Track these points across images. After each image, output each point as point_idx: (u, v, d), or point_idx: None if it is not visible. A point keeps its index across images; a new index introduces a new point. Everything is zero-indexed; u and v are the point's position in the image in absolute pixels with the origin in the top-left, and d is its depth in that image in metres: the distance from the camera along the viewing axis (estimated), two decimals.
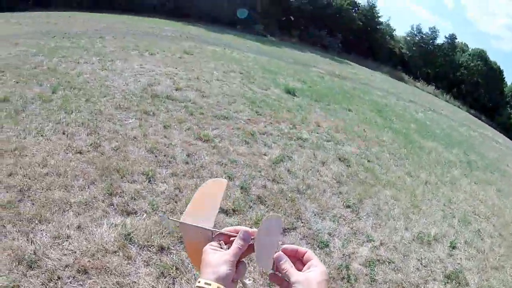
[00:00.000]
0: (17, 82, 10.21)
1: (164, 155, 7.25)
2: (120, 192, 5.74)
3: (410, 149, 13.14)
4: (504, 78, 67.52)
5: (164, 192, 6.03)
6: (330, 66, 32.75)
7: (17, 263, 4.25)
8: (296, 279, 1.31)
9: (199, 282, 1.26)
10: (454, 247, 7.44)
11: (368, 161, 10.41)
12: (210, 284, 1.24)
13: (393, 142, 13.16)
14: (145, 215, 5.40)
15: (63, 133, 7.40)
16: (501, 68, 66.77)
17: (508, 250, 8.51)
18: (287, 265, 1.37)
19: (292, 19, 54.58)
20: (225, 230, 1.46)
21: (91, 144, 7.09)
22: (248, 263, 4.58)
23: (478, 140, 24.65)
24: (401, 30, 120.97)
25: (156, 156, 7.14)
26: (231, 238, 1.43)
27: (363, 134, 12.77)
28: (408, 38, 67.23)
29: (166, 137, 8.12)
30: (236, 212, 6.00)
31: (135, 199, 5.68)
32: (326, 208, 7.02)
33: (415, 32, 67.05)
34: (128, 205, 5.51)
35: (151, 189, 6.04)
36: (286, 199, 6.86)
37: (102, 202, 5.44)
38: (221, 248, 1.40)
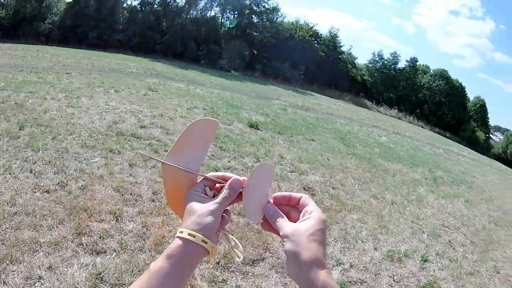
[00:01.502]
0: None
1: (131, 194, 7.28)
2: (89, 232, 5.76)
3: (374, 173, 13.50)
4: (466, 94, 69.41)
5: (132, 231, 6.06)
6: (292, 98, 33.37)
7: None
8: (284, 232, 1.22)
9: (181, 232, 1.19)
10: (426, 260, 7.71)
11: (333, 188, 10.64)
12: (194, 236, 1.17)
13: (357, 168, 13.48)
14: (114, 254, 5.39)
15: (31, 171, 7.42)
16: (463, 85, 68.67)
17: (481, 255, 8.92)
18: (276, 218, 1.29)
19: (255, 53, 55.06)
20: (211, 175, 1.36)
21: (58, 183, 7.10)
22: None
23: (443, 157, 25.37)
24: (363, 58, 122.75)
25: (122, 195, 7.16)
26: (217, 185, 1.36)
27: (326, 162, 13.04)
28: (370, 65, 68.28)
29: (132, 175, 8.15)
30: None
31: (103, 238, 5.69)
32: None
33: (377, 59, 68.15)
34: (97, 244, 5.52)
35: (119, 228, 6.06)
36: (253, 231, 6.97)
37: (71, 242, 5.45)
38: (207, 194, 1.32)
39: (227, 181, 1.33)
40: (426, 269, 7.45)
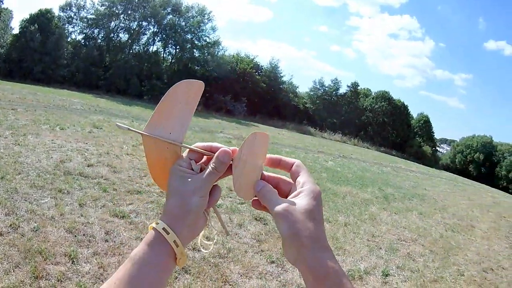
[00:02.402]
0: None
1: (83, 234, 7.23)
2: (46, 275, 5.69)
3: (324, 197, 13.52)
4: (409, 112, 72.42)
5: (89, 272, 6.01)
6: (236, 130, 33.73)
7: None
8: (276, 210, 1.10)
9: (157, 223, 1.11)
10: (387, 275, 8.01)
11: None
12: (168, 233, 1.08)
13: None
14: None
15: None
16: (406, 103, 71.53)
17: (443, 262, 9.35)
18: (265, 193, 1.19)
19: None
20: (197, 145, 1.23)
21: (10, 225, 7.02)
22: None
23: (391, 174, 26.12)
24: (304, 86, 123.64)
25: (75, 236, 7.11)
26: (205, 157, 1.23)
27: None
28: (312, 93, 70.23)
29: (83, 215, 8.09)
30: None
31: (61, 281, 5.64)
32: (250, 268, 7.25)
33: (318, 86, 70.27)
34: (55, 287, 5.48)
35: (76, 270, 6.00)
36: (210, 265, 7.01)
37: (29, 286, 5.39)
38: (192, 169, 1.19)
39: (214, 152, 1.20)
40: (389, 283, 7.74)
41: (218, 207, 10.00)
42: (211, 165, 1.17)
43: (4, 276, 5.52)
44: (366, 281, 7.65)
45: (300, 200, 1.11)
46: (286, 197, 1.18)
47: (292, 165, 1.26)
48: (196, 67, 58.06)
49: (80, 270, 6.06)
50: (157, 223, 1.11)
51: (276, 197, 1.16)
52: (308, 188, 1.14)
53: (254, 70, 63.41)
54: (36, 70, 45.93)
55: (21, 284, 5.40)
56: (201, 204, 1.13)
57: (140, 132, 1.22)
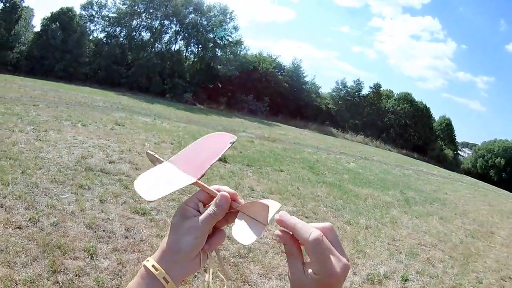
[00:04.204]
0: None
1: (103, 230, 7.18)
2: (64, 269, 5.65)
3: (346, 199, 13.54)
4: (431, 115, 70.95)
5: (107, 268, 5.95)
6: (259, 130, 33.38)
7: None
8: (289, 275, 1.12)
9: (147, 261, 1.13)
10: (406, 280, 7.83)
11: (306, 217, 10.65)
12: (157, 270, 1.10)
13: (328, 195, 13.52)
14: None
15: (1, 206, 7.33)
16: (428, 106, 70.14)
17: (462, 269, 9.15)
18: (286, 250, 1.13)
19: (220, 86, 55.26)
20: (209, 187, 1.23)
21: (29, 219, 7.00)
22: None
23: (413, 177, 25.73)
24: (326, 87, 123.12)
25: (95, 232, 7.07)
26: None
27: (297, 192, 13.07)
28: (334, 94, 69.06)
29: (103, 211, 8.04)
30: (182, 283, 5.91)
31: (79, 276, 5.59)
32: (270, 268, 7.11)
33: (340, 87, 68.98)
34: (73, 282, 5.42)
35: (94, 265, 5.95)
36: (230, 265, 6.92)
37: (47, 280, 5.34)
38: (199, 210, 1.19)
39: None
40: None
41: None
42: (210, 208, 1.17)
43: (22, 269, 5.47)
44: (386, 285, 7.52)
45: (309, 284, 1.07)
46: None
47: (307, 241, 1.09)
48: (219, 66, 57.53)
49: (98, 265, 6.00)
50: (147, 260, 1.14)
51: (292, 261, 1.13)
52: (317, 278, 1.07)
53: (277, 70, 63.22)
54: (57, 67, 45.93)
55: (38, 278, 5.36)
56: (194, 244, 1.14)
57: (162, 159, 1.30)
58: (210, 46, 58.38)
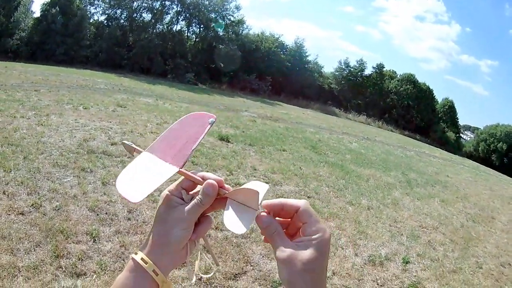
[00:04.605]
0: None
1: (106, 213, 7.18)
2: (67, 254, 5.66)
3: (348, 179, 13.56)
4: (434, 96, 70.37)
5: (110, 251, 5.96)
6: (261, 109, 33.38)
7: None
8: (278, 256, 1.09)
9: (136, 253, 1.12)
10: (407, 262, 7.85)
11: (308, 197, 10.66)
12: (146, 263, 1.09)
13: (330, 175, 13.53)
14: (94, 275, 5.33)
15: (4, 193, 7.30)
16: (431, 88, 69.67)
17: (462, 253, 9.15)
18: (271, 234, 1.13)
19: (222, 65, 55.03)
20: (192, 173, 1.19)
21: (32, 205, 6.99)
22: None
23: (415, 159, 25.62)
24: (329, 66, 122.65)
25: (98, 215, 7.07)
26: (199, 187, 1.18)
27: (299, 172, 13.07)
28: (337, 73, 68.57)
29: (106, 194, 8.04)
30: (184, 264, 5.88)
31: (82, 260, 5.60)
32: (272, 249, 7.05)
33: (343, 67, 68.38)
34: (76, 266, 5.42)
35: (97, 248, 5.96)
36: (232, 245, 6.94)
37: (50, 265, 5.34)
38: (183, 198, 1.17)
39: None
40: (409, 271, 7.59)
41: (241, 185, 9.88)
42: (197, 198, 1.15)
43: (25, 255, 5.47)
44: (387, 267, 7.52)
45: (304, 249, 1.07)
46: (289, 224, 1.19)
47: (297, 210, 1.14)
48: (221, 46, 57.22)
49: (101, 249, 6.01)
50: (136, 253, 1.13)
51: (281, 238, 1.13)
52: (315, 238, 1.08)
53: (279, 49, 62.63)
54: (58, 51, 45.65)
55: (41, 263, 5.37)
56: (182, 235, 1.13)
57: (140, 149, 1.25)
58: (212, 26, 58.10)
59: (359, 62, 68.48)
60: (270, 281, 6.16)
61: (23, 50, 44.98)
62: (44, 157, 9.62)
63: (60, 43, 46.21)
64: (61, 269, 5.36)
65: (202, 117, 1.27)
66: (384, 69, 69.30)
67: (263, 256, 6.86)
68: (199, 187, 1.18)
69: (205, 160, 12.00)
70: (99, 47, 50.92)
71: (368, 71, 68.58)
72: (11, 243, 5.68)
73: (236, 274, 6.16)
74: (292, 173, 12.75)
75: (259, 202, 1.15)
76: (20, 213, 6.67)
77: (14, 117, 13.00)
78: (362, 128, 43.00)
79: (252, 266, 6.49)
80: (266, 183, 10.55)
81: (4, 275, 5.03)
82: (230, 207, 1.14)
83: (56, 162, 9.33)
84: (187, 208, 1.13)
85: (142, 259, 1.10)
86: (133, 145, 1.28)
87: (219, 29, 55.00)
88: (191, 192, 1.19)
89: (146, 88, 32.70)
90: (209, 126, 1.25)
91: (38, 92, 18.99)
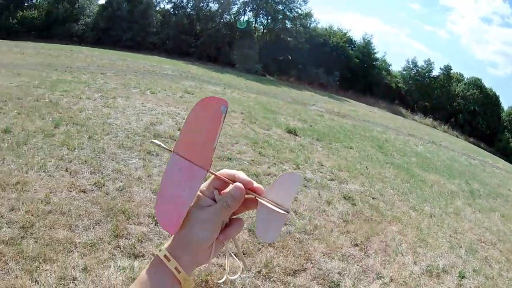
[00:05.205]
0: (18, 114, 10.36)
1: None
2: (127, 234, 5.64)
3: (412, 184, 13.03)
4: (500, 103, 67.64)
5: (171, 235, 5.66)
6: (329, 104, 32.77)
7: None
8: None
9: (160, 250, 1.12)
10: (463, 277, 7.35)
11: (373, 198, 10.26)
12: (169, 260, 1.08)
13: (395, 178, 13.05)
14: (152, 258, 5.06)
15: (66, 170, 7.36)
16: (497, 94, 66.89)
17: None
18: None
19: (290, 58, 54.86)
20: (224, 173, 1.14)
21: (94, 183, 7.02)
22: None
23: (479, 168, 24.56)
24: (396, 65, 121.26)
25: None
26: (230, 186, 1.13)
27: (365, 171, 12.65)
28: (404, 72, 67.12)
29: None
30: (246, 255, 5.84)
31: (142, 241, 5.58)
32: (334, 248, 6.84)
33: (411, 66, 66.77)
34: (135, 247, 5.40)
35: (158, 231, 5.93)
36: (294, 241, 6.70)
37: (108, 244, 5.37)
38: (214, 198, 1.13)
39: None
40: (463, 286, 7.11)
41: (308, 181, 9.47)
42: (223, 200, 1.11)
43: (83, 232, 5.58)
44: (443, 280, 7.05)
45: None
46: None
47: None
48: (289, 38, 57.01)
49: (162, 232, 5.95)
50: (160, 250, 1.12)
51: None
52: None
53: (347, 45, 62.04)
54: (125, 37, 46.66)
55: (99, 241, 5.42)
56: (206, 236, 1.10)
57: (169, 149, 1.18)
58: (279, 17, 57.97)
59: (426, 62, 66.96)
60: (328, 281, 5.89)
61: (88, 35, 46.34)
62: (109, 138, 9.68)
63: (126, 29, 47.34)
64: (119, 248, 5.33)
65: (214, 103, 1.16)
66: (451, 71, 67.78)
67: (324, 255, 6.59)
68: (231, 186, 1.13)
69: (273, 152, 11.76)
70: (166, 35, 51.74)
71: (435, 72, 67.00)
72: (70, 219, 5.73)
73: (296, 271, 5.94)
74: (358, 172, 12.34)
75: (290, 204, 1.12)
76: (82, 191, 6.70)
77: (80, 98, 13.15)
78: (428, 131, 41.84)
79: (312, 263, 6.24)
80: (332, 180, 10.28)
81: (60, 249, 5.08)
82: (260, 211, 1.11)
83: (122, 144, 9.37)
84: (214, 208, 1.11)
85: (165, 256, 1.09)
86: (162, 145, 1.22)
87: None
88: (223, 192, 1.15)
89: (214, 76, 32.67)
90: (223, 115, 1.14)
91: (105, 75, 19.26)
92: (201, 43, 51.63)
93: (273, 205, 1.08)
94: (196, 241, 1.08)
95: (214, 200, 1.11)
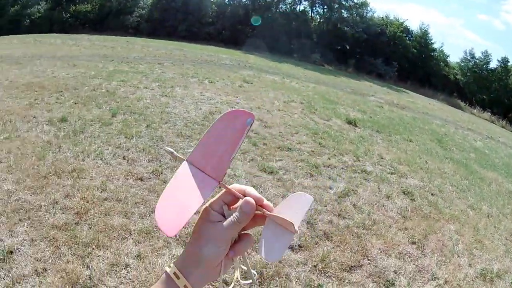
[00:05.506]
0: (75, 103, 10.58)
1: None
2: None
3: (471, 180, 12.58)
4: None
5: None
6: (388, 95, 32.27)
7: (70, 287, 4.24)
8: None
9: (169, 267, 1.06)
10: None
11: (432, 194, 9.92)
12: (178, 278, 1.04)
13: (454, 174, 12.64)
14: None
15: (124, 158, 7.47)
16: None
17: None
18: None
19: (348, 47, 54.51)
20: (234, 187, 1.10)
21: (152, 172, 7.07)
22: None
23: None
24: (453, 56, 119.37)
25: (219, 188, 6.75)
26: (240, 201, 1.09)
27: (425, 166, 12.29)
28: (462, 64, 65.30)
29: (230, 168, 7.78)
30: (303, 248, 5.71)
31: None
32: (391, 245, 6.61)
33: (468, 57, 64.99)
34: (190, 235, 5.10)
35: None
36: (352, 235, 6.51)
37: (161, 233, 5.21)
38: (223, 214, 1.08)
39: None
40: None
41: (368, 173, 9.17)
42: (234, 215, 1.07)
43: (139, 219, 5.64)
44: (495, 285, 6.64)
45: None
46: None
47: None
48: (346, 28, 56.76)
49: None
50: (169, 267, 1.08)
51: None
52: None
53: (404, 34, 61.09)
54: (180, 28, 47.42)
55: (154, 229, 5.46)
56: (215, 253, 1.05)
57: (182, 157, 1.14)
58: (335, 7, 57.63)
59: (484, 54, 64.97)
60: (384, 279, 5.67)
61: (143, 27, 47.47)
62: (167, 126, 9.74)
63: (182, 21, 48.14)
64: (174, 236, 5.24)
65: (242, 115, 1.15)
66: (509, 64, 66.11)
67: (381, 251, 6.36)
68: (240, 201, 1.10)
69: (333, 143, 11.50)
70: (222, 25, 52.03)
71: (493, 64, 65.26)
72: (126, 207, 5.84)
73: (352, 267, 5.74)
74: (418, 166, 11.99)
75: (298, 224, 1.09)
76: (139, 179, 6.77)
77: (137, 87, 13.28)
78: (486, 125, 40.45)
79: (369, 260, 6.02)
80: (392, 174, 9.96)
81: (114, 236, 5.18)
82: (267, 229, 1.08)
83: (180, 132, 9.41)
84: (224, 224, 1.07)
85: (174, 273, 1.05)
86: (175, 153, 1.16)
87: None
88: (233, 207, 1.12)
89: (272, 66, 32.48)
90: (248, 127, 1.15)
91: (162, 65, 19.41)
92: (257, 33, 51.47)
93: (282, 224, 1.06)
94: (206, 257, 1.05)
95: (223, 215, 1.09)
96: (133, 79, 14.30)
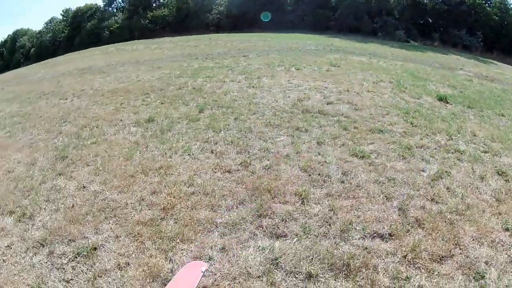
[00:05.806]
0: (161, 103, 10.80)
1: (318, 174, 6.85)
2: (270, 214, 5.60)
3: None
4: None
5: (317, 214, 5.68)
6: (476, 68, 30.73)
7: (150, 280, 4.34)
8: None
9: None
10: None
11: None
12: None
13: None
14: (295, 239, 5.15)
15: (211, 152, 7.53)
16: None
17: None
18: None
19: (430, 21, 53.22)
20: None
21: (241, 163, 7.06)
22: None
23: None
24: None
25: (309, 175, 6.80)
26: None
27: None
28: None
29: (320, 154, 7.70)
30: (393, 237, 5.45)
31: (286, 221, 5.48)
32: (484, 232, 6.00)
33: None
34: (278, 227, 5.34)
35: (304, 210, 5.75)
36: (445, 222, 6.04)
37: (250, 224, 5.39)
38: None
39: None
40: None
41: (461, 153, 8.78)
42: None
43: (225, 212, 5.66)
44: None
45: None
46: None
47: None
48: (425, 0, 55.33)
49: (308, 211, 5.74)
50: None
51: None
52: None
53: (483, 1, 58.98)
54: (261, 19, 47.66)
55: (241, 221, 5.46)
56: None
57: None
58: None
59: None
60: (474, 271, 5.13)
61: (224, 23, 48.47)
62: (256, 117, 9.74)
63: (261, 11, 48.17)
64: (261, 228, 5.29)
65: (196, 266, 1.91)
66: None
67: (473, 239, 5.79)
68: None
69: (424, 122, 10.95)
70: (303, 11, 51.76)
71: None
72: (213, 200, 5.90)
73: (443, 257, 5.30)
74: None
75: None
76: (227, 171, 6.81)
77: (224, 81, 13.38)
78: None
79: (460, 249, 5.51)
80: (486, 152, 9.42)
81: (199, 229, 5.26)
82: None
83: (269, 122, 9.36)
84: None
85: None
86: None
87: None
88: None
89: (358, 47, 32.03)
90: (201, 274, 1.82)
91: (247, 58, 19.47)
92: (339, 15, 50.96)
93: None
94: None
95: None
96: (218, 74, 14.40)
